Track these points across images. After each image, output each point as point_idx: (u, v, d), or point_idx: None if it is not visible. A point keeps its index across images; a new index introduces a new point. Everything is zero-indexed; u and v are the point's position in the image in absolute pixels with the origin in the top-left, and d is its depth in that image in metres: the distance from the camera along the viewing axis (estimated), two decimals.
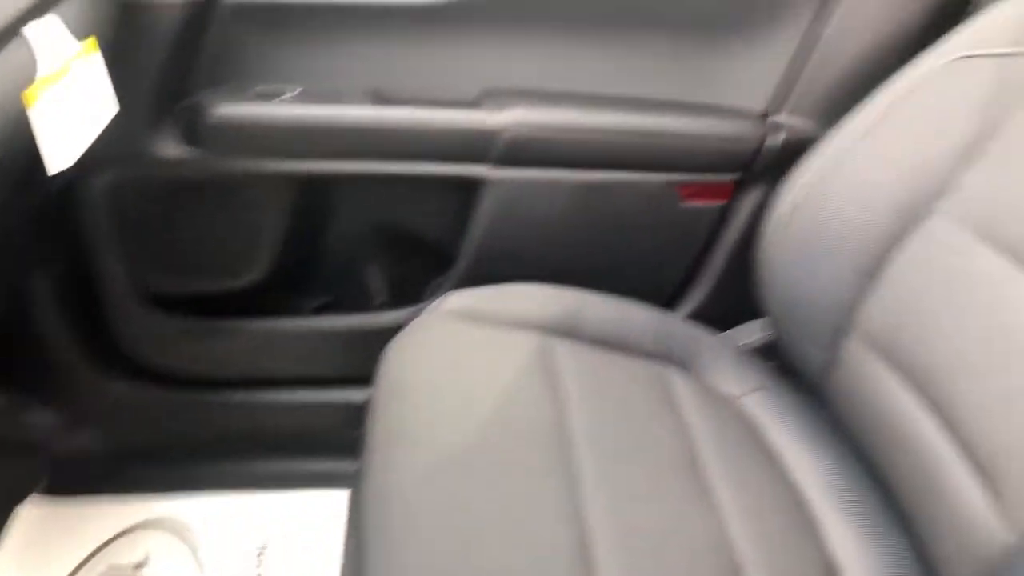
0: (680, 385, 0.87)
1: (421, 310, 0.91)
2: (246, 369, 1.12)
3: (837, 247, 0.80)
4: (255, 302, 1.10)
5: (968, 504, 0.63)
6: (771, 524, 0.73)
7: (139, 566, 1.07)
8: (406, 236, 1.11)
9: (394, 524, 0.65)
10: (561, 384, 0.81)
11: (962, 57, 0.74)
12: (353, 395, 1.12)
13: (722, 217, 1.05)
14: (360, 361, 0.96)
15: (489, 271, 0.96)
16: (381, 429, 0.74)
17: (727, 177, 1.02)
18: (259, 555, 1.08)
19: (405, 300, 1.09)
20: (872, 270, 0.77)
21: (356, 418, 0.83)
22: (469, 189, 1.00)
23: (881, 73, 0.82)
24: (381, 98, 0.95)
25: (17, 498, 1.11)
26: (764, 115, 1.01)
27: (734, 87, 0.99)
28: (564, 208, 1.01)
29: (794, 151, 0.88)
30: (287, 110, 0.91)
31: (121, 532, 1.10)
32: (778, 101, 1.00)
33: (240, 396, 1.14)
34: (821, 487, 0.78)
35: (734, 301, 1.01)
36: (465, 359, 0.81)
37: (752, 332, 1.03)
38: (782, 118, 1.00)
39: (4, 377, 1.09)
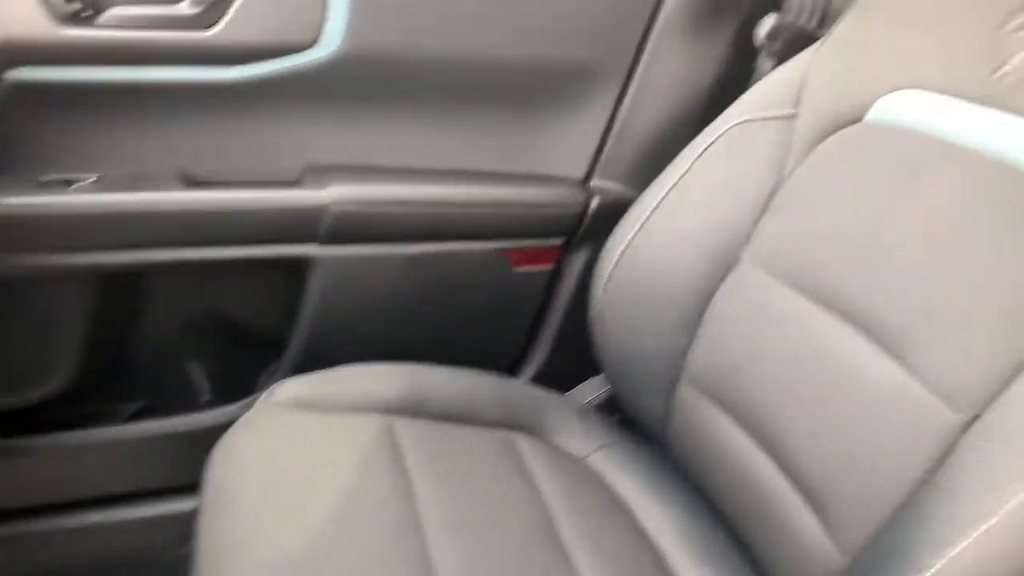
0: (528, 451, 0.86)
1: (252, 404, 0.84)
2: (54, 492, 0.99)
3: (660, 299, 0.84)
4: (61, 414, 0.98)
5: (803, 531, 0.66)
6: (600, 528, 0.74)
7: None
8: (230, 325, 1.04)
9: None
10: (407, 466, 0.77)
11: (746, 120, 0.82)
12: (182, 506, 1.01)
13: (553, 280, 1.08)
14: (187, 467, 0.88)
15: (323, 354, 0.92)
16: (208, 543, 0.67)
17: (554, 241, 1.05)
18: None
19: (234, 395, 1.02)
20: (694, 318, 0.82)
21: (186, 533, 0.74)
22: (296, 270, 0.96)
23: (682, 137, 0.88)
24: (192, 180, 0.89)
25: None
26: (584, 180, 1.05)
27: (554, 156, 1.03)
28: (397, 282, 0.99)
29: (613, 213, 0.93)
30: (81, 199, 0.84)
31: None
32: (595, 167, 1.05)
33: (45, 524, 1.00)
34: (673, 537, 0.79)
35: (574, 360, 1.03)
36: (300, 452, 0.76)
37: (594, 389, 1.05)
38: (600, 183, 1.05)
39: None
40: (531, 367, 1.12)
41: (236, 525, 0.67)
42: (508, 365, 1.12)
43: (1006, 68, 0.63)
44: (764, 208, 0.79)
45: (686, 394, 0.82)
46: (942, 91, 0.67)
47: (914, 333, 0.62)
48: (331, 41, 0.87)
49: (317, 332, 0.98)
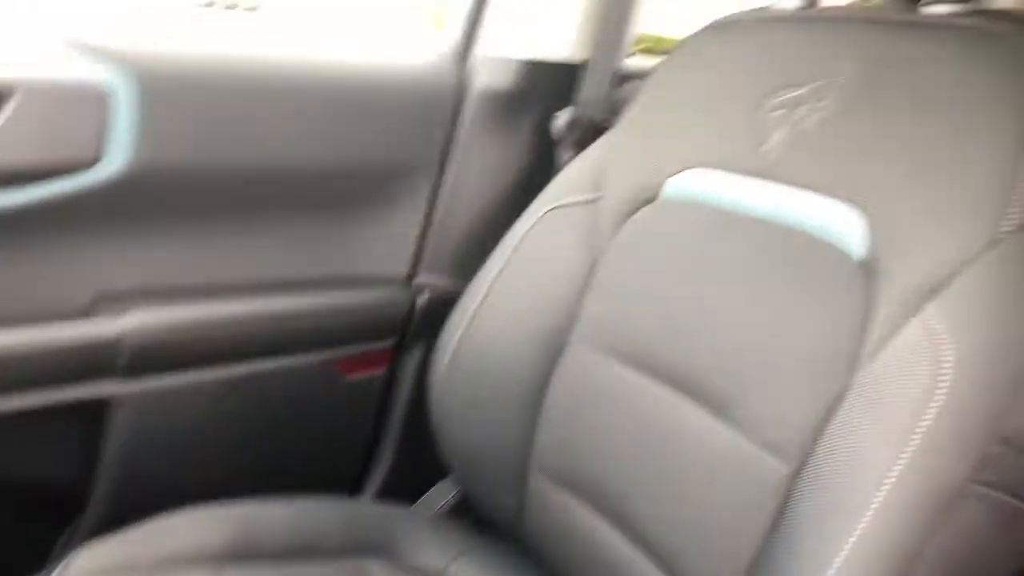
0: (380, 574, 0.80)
1: None
2: None
3: (498, 390, 0.83)
4: None
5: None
6: None
7: None
8: (15, 488, 0.88)
9: None
10: None
11: (556, 207, 0.84)
12: None
13: (387, 385, 1.03)
14: None
15: (133, 508, 0.80)
16: None
17: (384, 344, 1.01)
18: None
19: (23, 570, 0.86)
20: (534, 405, 0.81)
21: None
22: (93, 413, 0.84)
23: (501, 227, 0.89)
24: None
25: None
26: (408, 278, 1.03)
27: (375, 256, 1.01)
28: (214, 412, 0.90)
29: (441, 308, 0.91)
30: None
31: None
32: (418, 263, 1.03)
33: None
34: None
35: (420, 467, 0.98)
36: None
37: (443, 494, 1.00)
38: (425, 279, 1.03)
39: None
40: (375, 481, 1.06)
41: None
42: (350, 483, 1.05)
43: (769, 144, 0.70)
44: (584, 289, 0.81)
45: (537, 484, 0.80)
46: (721, 168, 0.73)
47: (733, 391, 0.64)
48: (115, 158, 0.80)
49: (123, 483, 0.86)
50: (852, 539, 0.51)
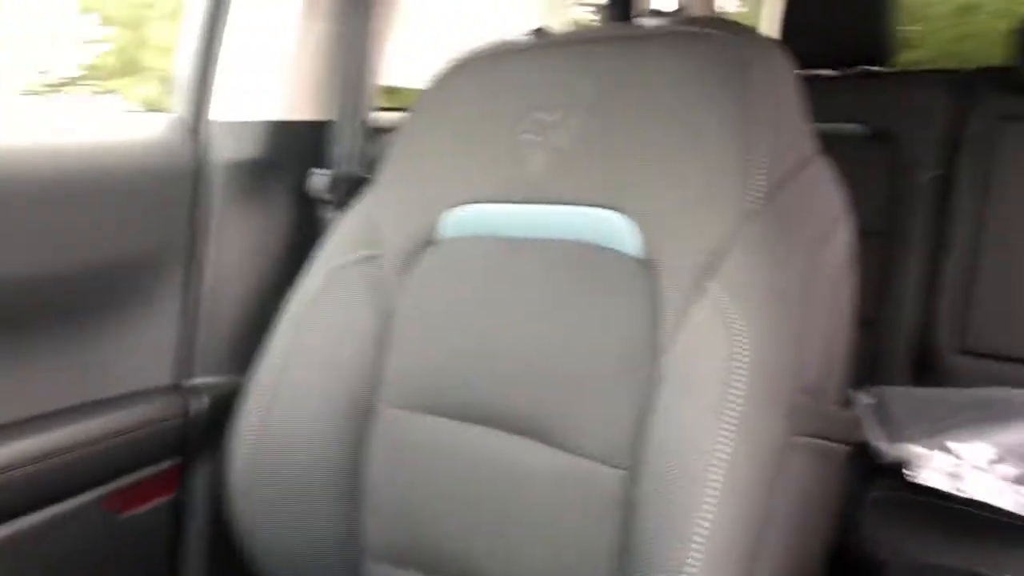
0: None
1: None
2: None
3: (310, 480, 0.75)
4: None
5: None
6: None
7: None
8: None
9: None
10: None
11: (335, 268, 0.80)
12: None
13: (179, 511, 0.89)
14: None
15: None
16: None
17: (164, 465, 0.88)
18: None
19: None
20: (352, 487, 0.74)
21: None
22: None
23: (274, 305, 0.82)
24: None
25: None
26: (177, 385, 0.91)
27: (134, 366, 0.87)
28: None
29: (227, 408, 0.81)
30: None
31: None
32: (189, 365, 0.92)
33: None
34: None
35: None
36: None
37: None
38: (200, 381, 0.92)
39: None
40: None
41: None
42: None
43: (530, 169, 0.72)
44: (382, 348, 0.76)
45: (370, 567, 0.73)
46: (491, 200, 0.74)
47: (552, 415, 0.64)
48: None
49: None
50: (704, 523, 0.51)
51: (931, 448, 0.82)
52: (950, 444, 0.82)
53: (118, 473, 0.83)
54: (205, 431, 0.89)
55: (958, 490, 0.78)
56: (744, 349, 0.54)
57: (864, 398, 0.98)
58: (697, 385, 0.55)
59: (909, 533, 0.81)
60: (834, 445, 0.57)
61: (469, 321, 0.71)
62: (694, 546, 0.52)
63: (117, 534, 0.83)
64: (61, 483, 0.78)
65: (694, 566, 0.51)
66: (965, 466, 0.80)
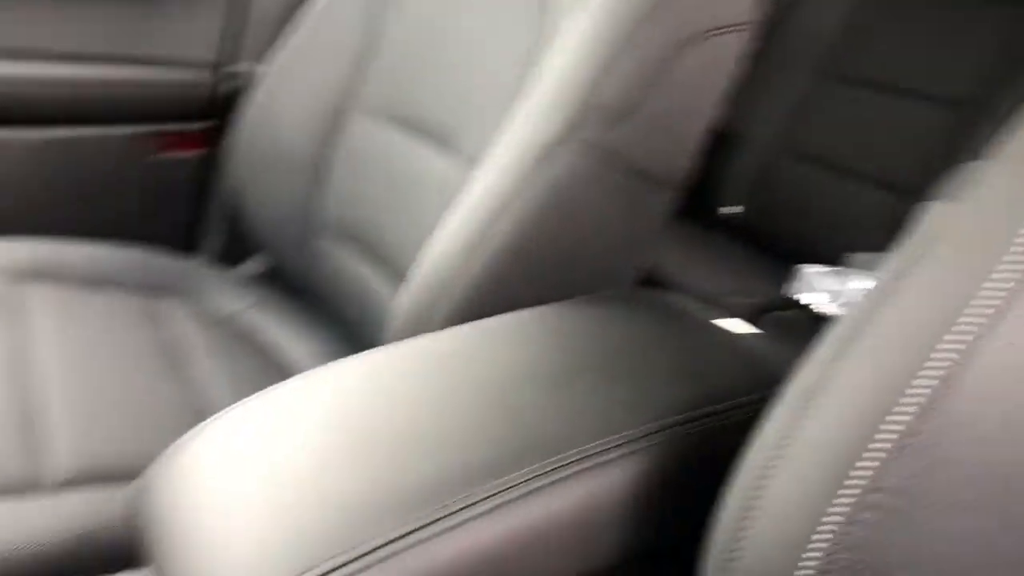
0: (174, 311, 0.91)
1: None
2: None
3: (288, 160, 0.92)
4: None
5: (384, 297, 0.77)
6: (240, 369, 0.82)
7: None
8: None
9: None
10: (27, 323, 0.78)
11: None
12: None
13: (206, 165, 1.11)
14: None
15: None
16: None
17: (200, 125, 1.08)
18: None
19: None
20: (319, 172, 0.90)
21: None
22: None
23: (297, 8, 0.96)
24: None
25: None
26: (217, 64, 1.10)
27: (183, 40, 1.06)
28: (26, 169, 0.97)
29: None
30: None
31: None
32: (227, 50, 1.09)
33: None
34: (303, 353, 0.87)
35: (241, 241, 1.07)
36: None
37: (258, 265, 1.10)
38: (234, 66, 1.10)
39: None
40: (201, 254, 1.15)
41: None
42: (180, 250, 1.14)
43: None
44: (365, 60, 0.88)
45: (321, 242, 0.90)
46: None
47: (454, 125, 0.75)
48: None
49: None
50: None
51: None
52: None
53: (156, 119, 1.05)
54: (233, 106, 1.08)
55: None
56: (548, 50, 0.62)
57: None
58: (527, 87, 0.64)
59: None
60: (610, 155, 0.63)
61: (426, 33, 0.81)
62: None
63: (150, 167, 1.06)
64: (110, 111, 1.01)
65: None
66: None
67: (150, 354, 0.81)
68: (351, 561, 0.36)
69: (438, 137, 0.78)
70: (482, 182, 0.67)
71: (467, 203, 0.67)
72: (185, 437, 0.45)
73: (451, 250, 0.66)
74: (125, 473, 0.61)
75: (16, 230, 0.98)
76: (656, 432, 0.47)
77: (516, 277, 0.65)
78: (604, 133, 0.61)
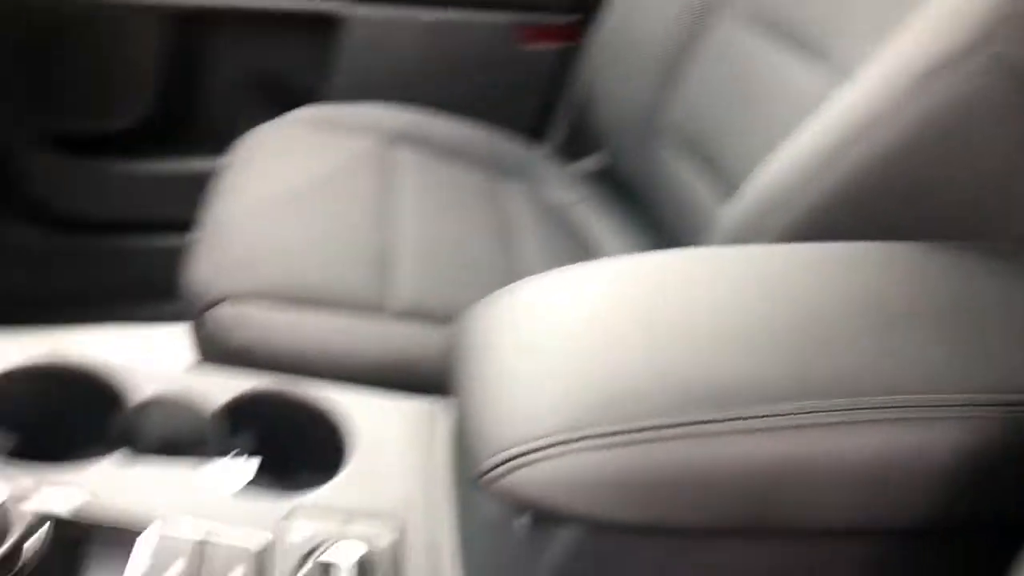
0: (511, 192, 0.98)
1: None
2: (120, 212, 1.19)
3: (643, 59, 0.91)
4: (140, 145, 1.16)
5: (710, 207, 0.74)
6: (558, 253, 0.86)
7: None
8: (274, 82, 1.18)
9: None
10: (394, 178, 0.90)
11: None
12: None
13: (568, 58, 1.15)
14: None
15: None
16: (223, 191, 0.83)
17: (566, 18, 1.12)
18: None
19: None
20: (671, 76, 0.88)
21: None
22: (330, 27, 1.08)
23: None
24: None
25: None
26: None
27: None
28: (415, 48, 1.10)
29: None
30: None
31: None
32: None
33: (122, 241, 1.20)
34: (614, 247, 0.89)
35: (582, 137, 1.11)
36: (304, 153, 0.90)
37: (592, 162, 1.13)
38: None
39: None
40: (545, 144, 1.21)
41: (236, 202, 0.82)
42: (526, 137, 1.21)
43: None
44: None
45: (662, 150, 0.88)
46: None
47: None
48: None
49: (343, 91, 1.11)
50: None
51: None
52: None
53: (528, 7, 1.10)
54: (600, 1, 1.09)
55: None
56: None
57: None
58: None
59: None
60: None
61: None
62: None
63: (514, 56, 1.13)
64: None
65: None
66: None
67: (485, 224, 0.89)
68: (627, 432, 0.37)
69: (806, 46, 0.71)
70: (848, 99, 0.60)
71: (824, 120, 0.61)
72: (498, 292, 0.49)
73: (795, 167, 0.61)
74: (448, 315, 0.68)
75: (397, 98, 1.12)
76: (984, 405, 0.40)
77: (862, 207, 0.58)
78: (1018, 48, 0.50)
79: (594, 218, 0.99)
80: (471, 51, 1.12)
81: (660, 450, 0.37)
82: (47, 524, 0.41)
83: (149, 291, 1.20)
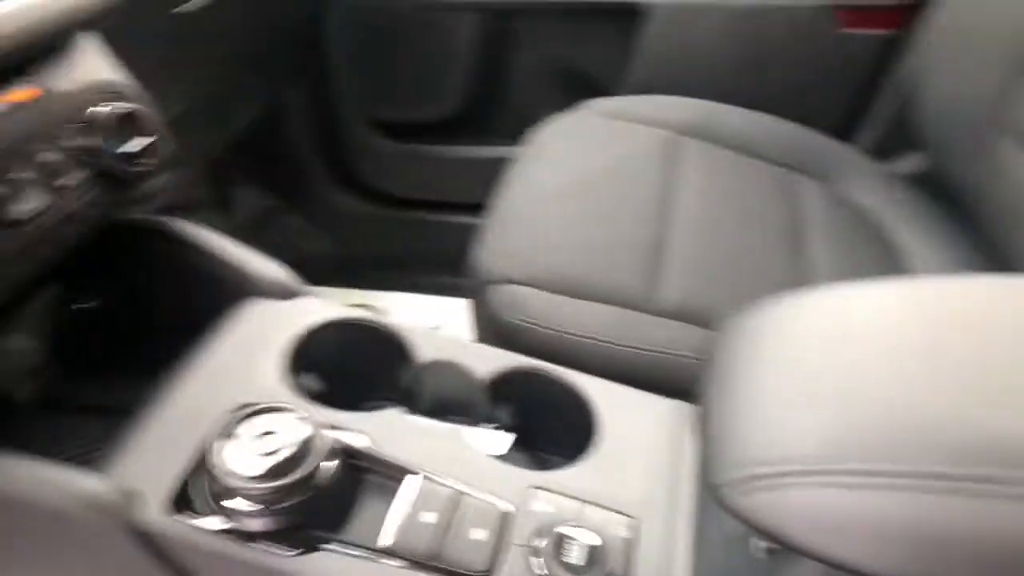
0: (808, 190, 0.91)
1: None
2: (440, 192, 1.33)
3: (987, 48, 0.79)
4: (449, 132, 1.29)
5: None
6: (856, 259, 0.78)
7: None
8: (576, 75, 1.22)
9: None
10: (681, 172, 0.89)
11: None
12: None
13: (891, 47, 1.03)
14: None
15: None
16: (515, 178, 0.89)
17: (895, 1, 1.00)
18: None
19: None
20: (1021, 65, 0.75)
21: None
22: (630, 20, 1.09)
23: None
24: None
25: None
26: None
27: None
28: (722, 36, 1.06)
29: None
30: None
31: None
32: None
33: (421, 216, 1.36)
34: (925, 257, 0.79)
35: (901, 134, 1.00)
36: (594, 143, 0.92)
37: (912, 165, 1.01)
38: None
39: (265, 183, 1.40)
40: (856, 138, 1.11)
41: (523, 189, 0.86)
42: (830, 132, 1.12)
43: None
44: None
45: (1007, 152, 0.77)
46: None
47: None
48: None
49: (641, 83, 1.12)
50: None
51: None
52: None
53: None
54: None
55: None
56: None
57: None
58: None
59: None
60: None
61: None
62: None
63: (831, 42, 1.04)
64: None
65: None
66: None
67: (773, 223, 0.84)
68: (902, 474, 0.33)
69: None
70: None
71: None
72: (773, 298, 0.46)
73: None
74: (714, 318, 0.66)
75: (696, 89, 1.10)
76: None
77: None
78: None
79: (905, 224, 0.88)
80: (784, 39, 1.05)
81: (938, 502, 0.33)
82: (339, 456, 0.48)
83: (440, 264, 1.33)
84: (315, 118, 1.31)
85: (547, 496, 0.49)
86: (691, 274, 0.75)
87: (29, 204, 0.48)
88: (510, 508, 0.48)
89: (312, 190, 1.39)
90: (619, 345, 0.68)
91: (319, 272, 1.41)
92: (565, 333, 0.69)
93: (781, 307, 0.45)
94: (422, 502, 0.47)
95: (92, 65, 0.54)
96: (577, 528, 0.46)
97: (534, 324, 0.70)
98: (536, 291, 0.73)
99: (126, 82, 0.56)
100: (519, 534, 0.47)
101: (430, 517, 0.47)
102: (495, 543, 0.46)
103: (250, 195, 1.45)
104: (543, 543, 0.46)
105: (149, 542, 0.45)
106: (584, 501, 0.49)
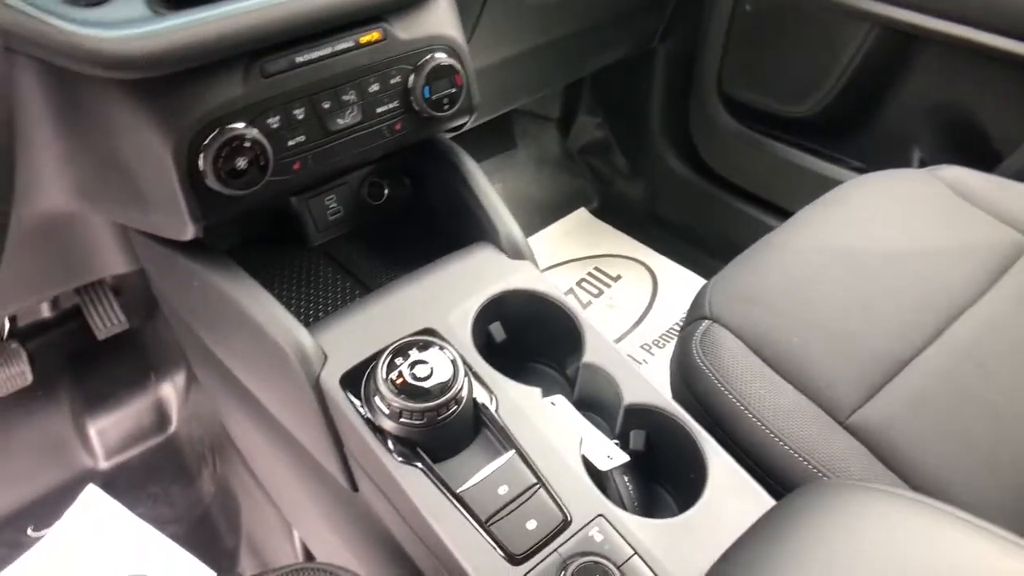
0: None
1: None
2: (756, 184, 1.30)
3: None
4: (796, 131, 1.23)
5: None
6: None
7: (617, 279, 1.42)
8: (957, 123, 1.07)
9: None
10: (999, 287, 0.75)
11: None
12: None
13: None
14: None
15: None
16: (801, 222, 0.84)
17: None
18: None
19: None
20: None
21: None
22: None
23: None
24: None
25: None
26: None
27: None
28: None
29: None
30: None
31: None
32: None
33: (738, 203, 1.33)
34: None
35: None
36: (911, 216, 0.82)
37: None
38: None
39: (607, 119, 1.49)
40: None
41: (796, 240, 0.81)
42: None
43: None
44: None
45: None
46: None
47: None
48: None
49: None
50: None
51: None
52: None
53: None
54: None
55: None
56: None
57: None
58: None
59: None
60: None
61: None
62: None
63: None
64: None
65: None
66: None
67: None
68: None
69: None
70: None
71: None
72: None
73: None
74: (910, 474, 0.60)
75: None
76: None
77: None
78: None
79: None
80: None
81: None
82: (467, 405, 0.56)
83: (717, 251, 1.31)
84: (672, 75, 1.34)
85: (608, 529, 0.53)
86: (911, 406, 0.67)
87: (345, 120, 0.62)
88: (570, 519, 0.53)
89: (644, 139, 1.44)
90: (779, 440, 0.66)
91: (618, 210, 1.50)
92: (738, 401, 0.67)
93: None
94: (504, 475, 0.55)
95: (435, 20, 0.65)
96: (613, 568, 0.50)
97: (712, 373, 0.69)
98: (739, 344, 0.71)
99: (456, 38, 0.66)
100: (565, 546, 0.52)
101: (503, 490, 0.54)
102: (540, 541, 0.52)
103: (589, 124, 1.56)
104: (576, 562, 0.51)
105: (321, 395, 0.59)
106: (636, 552, 0.52)
